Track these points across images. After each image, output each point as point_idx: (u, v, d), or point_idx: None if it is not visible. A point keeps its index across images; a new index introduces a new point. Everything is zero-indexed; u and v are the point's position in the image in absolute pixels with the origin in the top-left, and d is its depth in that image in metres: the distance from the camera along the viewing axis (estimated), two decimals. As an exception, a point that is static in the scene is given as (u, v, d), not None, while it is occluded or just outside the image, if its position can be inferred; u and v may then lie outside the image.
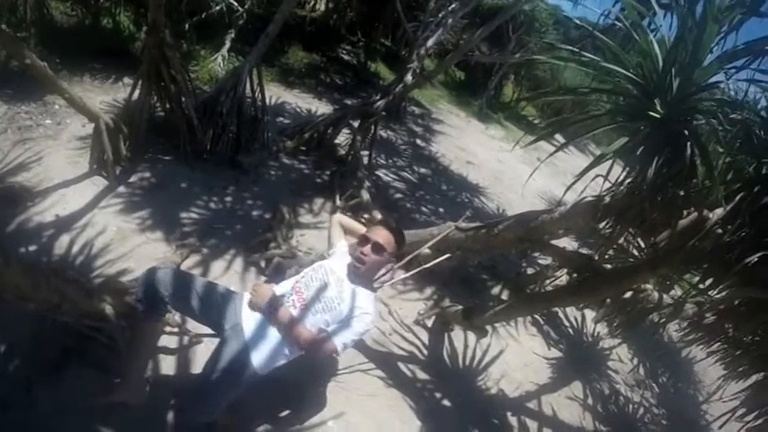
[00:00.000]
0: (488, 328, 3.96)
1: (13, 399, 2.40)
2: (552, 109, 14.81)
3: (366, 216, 5.06)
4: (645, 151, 2.37)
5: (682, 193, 2.35)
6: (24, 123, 4.63)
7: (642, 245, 3.38)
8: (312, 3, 12.04)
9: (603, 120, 2.68)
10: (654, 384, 4.93)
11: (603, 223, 2.86)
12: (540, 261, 5.81)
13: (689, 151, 2.19)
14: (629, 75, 2.47)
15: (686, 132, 2.21)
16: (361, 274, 2.58)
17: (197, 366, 2.90)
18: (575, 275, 3.78)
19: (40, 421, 2.36)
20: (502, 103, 14.31)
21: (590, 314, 5.22)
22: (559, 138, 13.21)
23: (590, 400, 4.25)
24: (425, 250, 3.73)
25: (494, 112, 12.78)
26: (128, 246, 3.63)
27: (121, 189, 4.23)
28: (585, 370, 4.54)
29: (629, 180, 2.55)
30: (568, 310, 5.23)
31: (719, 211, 2.36)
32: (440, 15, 8.50)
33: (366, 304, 2.50)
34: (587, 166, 2.51)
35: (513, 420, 3.73)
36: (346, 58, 11.47)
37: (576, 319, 5.22)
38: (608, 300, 4.10)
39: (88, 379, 2.59)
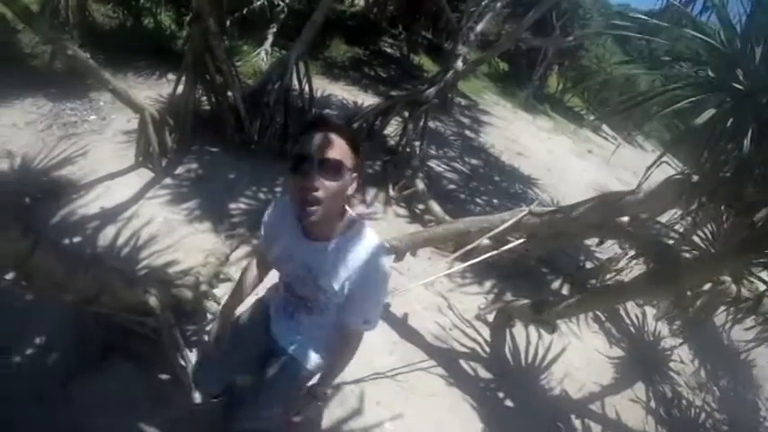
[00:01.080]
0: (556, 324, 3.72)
1: (50, 393, 2.32)
2: (598, 100, 14.45)
3: (421, 206, 4.87)
4: (734, 124, 2.17)
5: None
6: (69, 119, 4.61)
7: (731, 228, 3.13)
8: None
9: (684, 93, 2.46)
10: (715, 388, 4.64)
11: (692, 204, 2.61)
12: (598, 255, 5.61)
13: None
14: (712, 42, 2.32)
15: None
16: (322, 218, 1.49)
17: None
18: (651, 265, 3.53)
19: (77, 417, 2.28)
20: (547, 94, 13.98)
21: (651, 311, 5.03)
22: (607, 129, 13.13)
23: (653, 403, 4.00)
24: (485, 241, 3.50)
25: (540, 103, 12.53)
26: (175, 237, 3.52)
27: (168, 181, 4.15)
28: (648, 370, 4.30)
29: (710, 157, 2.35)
30: (629, 306, 5.02)
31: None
32: (482, 4, 8.29)
33: (359, 252, 1.62)
34: (673, 138, 2.27)
35: (576, 423, 3.51)
36: (389, 51, 11.36)
37: (637, 317, 4.98)
38: (687, 291, 3.84)
39: (129, 374, 2.51)
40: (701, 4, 2.65)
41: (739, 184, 2.21)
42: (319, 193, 1.41)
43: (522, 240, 3.24)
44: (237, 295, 2.02)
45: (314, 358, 1.94)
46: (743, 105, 2.16)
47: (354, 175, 1.52)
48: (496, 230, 3.20)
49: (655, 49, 2.93)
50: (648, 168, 2.58)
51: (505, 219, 3.28)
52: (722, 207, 2.61)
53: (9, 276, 2.50)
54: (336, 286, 1.63)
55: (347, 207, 1.64)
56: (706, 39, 2.34)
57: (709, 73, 2.41)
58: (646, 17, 2.86)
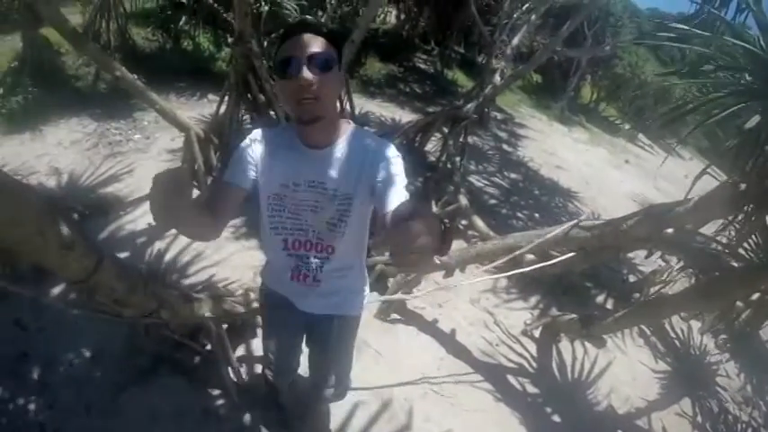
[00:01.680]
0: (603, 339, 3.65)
1: (99, 405, 2.35)
2: (633, 109, 14.23)
3: (465, 222, 4.82)
4: None
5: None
6: (114, 138, 4.75)
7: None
8: (382, 15, 12.05)
9: (726, 101, 2.43)
10: (761, 403, 4.46)
11: (741, 213, 2.58)
12: (641, 268, 5.49)
13: None
14: (751, 48, 2.27)
15: None
16: (324, 114, 1.41)
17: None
18: (699, 276, 3.51)
19: (125, 429, 2.31)
20: (581, 105, 13.84)
21: (696, 325, 4.92)
22: (643, 138, 12.91)
23: (699, 418, 3.87)
24: (529, 255, 3.43)
25: (574, 115, 12.40)
26: (222, 254, 3.55)
27: (214, 198, 4.13)
28: (694, 385, 4.17)
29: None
30: (674, 320, 4.90)
31: None
32: (514, 17, 8.27)
33: (370, 145, 1.54)
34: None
35: None
36: (423, 66, 11.41)
37: (682, 331, 4.85)
38: (737, 302, 3.72)
39: (179, 387, 2.53)
40: (735, 6, 2.58)
41: None
42: (315, 88, 1.34)
43: (571, 254, 3.15)
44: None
45: (359, 299, 1.87)
46: None
47: (341, 73, 1.46)
48: (544, 241, 3.13)
49: (689, 55, 2.88)
50: (695, 179, 2.53)
51: (554, 232, 3.22)
52: None
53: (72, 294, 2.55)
54: (358, 183, 1.51)
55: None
56: (745, 45, 2.28)
57: (750, 79, 2.37)
58: (679, 24, 2.82)
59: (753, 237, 3.45)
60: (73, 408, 2.30)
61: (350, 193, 1.52)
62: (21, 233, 1.35)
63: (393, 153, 1.51)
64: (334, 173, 1.51)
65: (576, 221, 3.20)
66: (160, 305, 2.00)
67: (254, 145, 1.55)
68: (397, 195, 1.41)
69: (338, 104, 1.38)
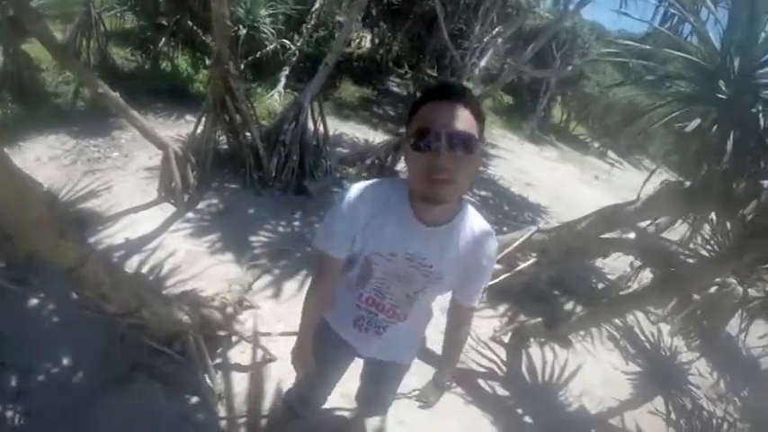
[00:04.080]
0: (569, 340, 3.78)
1: (76, 411, 2.37)
2: (602, 126, 14.61)
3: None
4: (719, 129, 2.38)
5: (763, 165, 2.33)
6: (93, 156, 4.81)
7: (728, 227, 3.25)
8: (358, 40, 12.30)
9: (672, 108, 2.68)
10: (736, 398, 4.58)
11: (687, 208, 2.80)
12: (609, 276, 5.65)
13: (762, 125, 2.22)
14: (692, 59, 2.53)
15: (756, 109, 2.27)
16: (453, 197, 1.31)
17: (270, 385, 2.85)
18: (657, 273, 3.60)
19: None
20: (552, 124, 14.17)
21: (666, 328, 5.03)
22: (613, 154, 13.26)
23: (673, 416, 3.98)
24: (496, 266, 3.59)
25: (545, 134, 12.73)
26: (198, 267, 3.63)
27: (190, 215, 4.29)
28: (666, 384, 4.27)
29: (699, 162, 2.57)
30: (644, 323, 5.04)
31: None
32: (484, 40, 8.56)
33: (483, 233, 1.48)
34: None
35: None
36: (396, 89, 11.63)
37: (652, 334, 4.98)
38: (694, 296, 3.92)
39: (156, 394, 2.56)
40: (689, 28, 2.83)
41: (728, 183, 2.34)
42: (451, 171, 1.21)
43: (533, 260, 3.33)
44: (311, 323, 1.72)
45: (413, 352, 1.91)
46: (726, 112, 2.36)
47: (481, 147, 1.30)
48: (508, 249, 3.29)
49: (649, 71, 3.14)
50: (645, 181, 2.77)
51: (516, 238, 3.39)
52: (715, 209, 2.73)
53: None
54: (455, 269, 1.47)
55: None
56: (688, 57, 2.52)
57: (694, 87, 2.60)
58: (634, 42, 3.06)
59: (706, 233, 3.67)
60: (49, 415, 2.32)
61: (442, 278, 1.49)
62: (24, 219, 1.47)
63: (493, 249, 1.50)
64: (437, 252, 1.44)
65: (536, 227, 3.38)
66: (141, 304, 2.11)
67: (360, 208, 1.44)
68: (473, 292, 1.57)
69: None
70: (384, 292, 1.58)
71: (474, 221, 1.45)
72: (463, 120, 1.22)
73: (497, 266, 3.66)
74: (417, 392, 2.12)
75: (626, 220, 3.05)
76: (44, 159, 4.54)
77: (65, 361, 2.61)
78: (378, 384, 2.04)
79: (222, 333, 2.90)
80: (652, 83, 3.04)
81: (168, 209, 4.26)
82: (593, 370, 4.10)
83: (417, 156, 1.24)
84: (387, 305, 1.62)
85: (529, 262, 3.32)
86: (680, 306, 4.40)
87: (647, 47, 2.88)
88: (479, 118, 1.27)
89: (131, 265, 3.45)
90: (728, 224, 3.28)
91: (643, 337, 4.89)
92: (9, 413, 2.31)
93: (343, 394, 2.52)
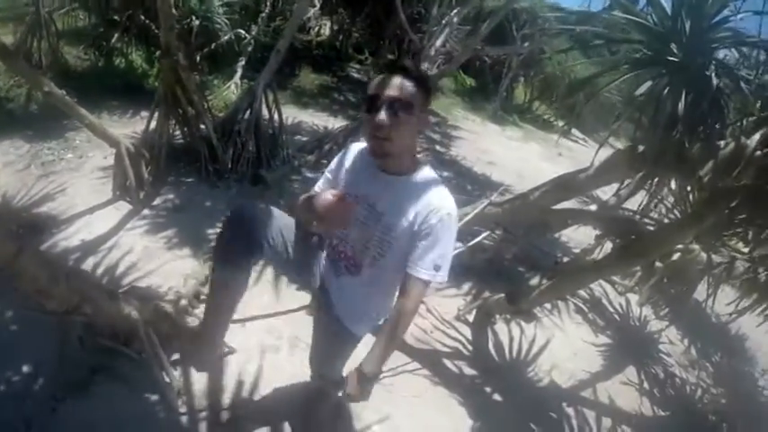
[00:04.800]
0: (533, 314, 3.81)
1: (38, 419, 2.35)
2: (565, 105, 14.73)
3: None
4: (671, 92, 2.37)
5: (717, 126, 2.33)
6: (47, 159, 4.73)
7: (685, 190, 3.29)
8: (317, 28, 12.21)
9: (623, 71, 2.66)
10: (708, 364, 4.73)
11: (642, 173, 2.80)
12: (575, 250, 5.68)
13: (714, 86, 2.22)
14: (641, 21, 2.52)
15: (708, 71, 2.26)
16: (394, 152, 1.61)
17: (229, 378, 2.85)
18: (618, 242, 3.61)
19: None
20: (515, 105, 14.26)
21: (634, 298, 5.09)
22: (577, 132, 13.39)
23: (646, 385, 4.07)
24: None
25: (508, 115, 12.77)
26: (155, 263, 3.60)
27: (146, 212, 4.25)
28: (637, 354, 4.36)
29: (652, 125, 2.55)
30: (612, 295, 5.10)
31: (757, 137, 2.30)
32: (443, 23, 8.57)
33: (436, 198, 1.63)
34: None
35: (569, 411, 3.55)
36: (356, 76, 11.57)
37: (621, 305, 5.07)
38: (656, 263, 3.88)
39: (117, 395, 2.54)
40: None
41: (682, 145, 2.36)
42: (389, 130, 1.52)
43: (487, 233, 3.34)
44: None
45: (365, 326, 1.98)
46: (678, 75, 2.35)
47: (423, 114, 1.61)
48: (462, 221, 3.26)
49: (616, 51, 3.17)
50: (598, 148, 2.77)
51: (467, 212, 3.39)
52: (671, 172, 2.75)
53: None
54: (405, 223, 1.62)
55: (416, 149, 1.74)
56: (637, 20, 2.52)
57: (645, 51, 2.59)
58: (576, 9, 3.08)
59: (665, 202, 3.73)
60: (12, 424, 2.29)
61: (393, 230, 1.66)
62: None
63: (452, 213, 1.61)
64: (389, 200, 1.66)
65: (488, 200, 3.38)
66: (83, 299, 2.10)
67: (345, 157, 1.86)
68: (428, 256, 1.60)
69: (414, 143, 1.70)
70: (346, 238, 1.80)
71: (430, 183, 1.66)
72: (402, 89, 1.53)
73: (458, 244, 3.70)
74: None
75: (581, 188, 3.04)
76: (-2, 166, 4.45)
77: (25, 368, 2.57)
78: (326, 342, 2.14)
79: (176, 327, 2.87)
80: (601, 49, 3.15)
81: (124, 207, 4.21)
82: (563, 344, 4.15)
83: (368, 118, 1.57)
84: (348, 251, 1.81)
85: (482, 235, 3.34)
86: (645, 275, 4.41)
87: (592, 10, 2.90)
88: (422, 89, 1.58)
89: (87, 266, 3.40)
90: (687, 189, 3.30)
91: (611, 309, 4.97)
92: (-30, 426, 2.29)
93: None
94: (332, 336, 2.06)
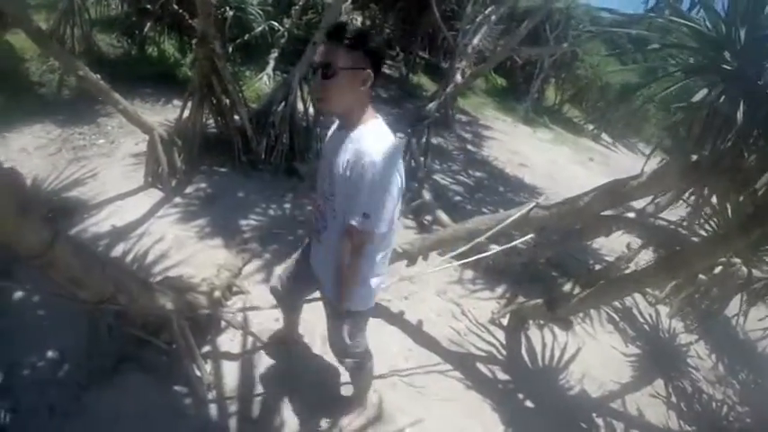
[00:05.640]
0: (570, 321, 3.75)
1: (63, 405, 2.32)
2: (596, 109, 14.53)
3: (429, 217, 4.90)
4: (727, 101, 2.28)
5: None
6: (78, 143, 4.71)
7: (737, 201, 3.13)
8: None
9: (675, 79, 2.58)
10: (734, 381, 4.59)
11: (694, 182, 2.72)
12: (606, 257, 5.62)
13: None
14: (697, 27, 2.42)
15: (763, 80, 2.20)
16: (333, 110, 1.79)
17: (261, 371, 2.80)
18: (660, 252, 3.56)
19: (89, 430, 2.27)
20: (545, 106, 14.09)
21: (664, 310, 5.02)
22: (607, 137, 13.22)
23: (673, 399, 3.97)
24: (493, 246, 3.55)
25: (539, 116, 12.62)
26: (186, 252, 3.55)
27: (178, 200, 4.20)
28: (666, 367, 4.26)
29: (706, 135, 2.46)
30: (642, 305, 5.02)
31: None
32: (476, 21, 8.46)
33: (364, 147, 1.70)
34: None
35: (599, 421, 3.46)
36: (388, 71, 11.47)
37: (651, 316, 4.97)
38: (697, 275, 3.80)
39: (144, 386, 2.50)
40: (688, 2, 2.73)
41: (737, 155, 2.26)
42: (319, 91, 1.72)
43: (530, 236, 3.22)
44: None
45: (330, 286, 2.05)
46: (733, 83, 2.26)
47: (351, 71, 1.67)
48: (505, 224, 3.17)
49: (650, 54, 3.06)
50: (650, 153, 2.74)
51: (511, 214, 3.27)
52: (724, 184, 2.59)
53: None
54: (340, 170, 1.75)
55: (365, 104, 1.79)
56: (692, 25, 2.41)
57: (698, 58, 2.52)
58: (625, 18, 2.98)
59: (708, 211, 3.60)
60: (36, 410, 2.26)
61: (334, 179, 1.80)
62: None
63: (368, 168, 1.66)
64: (336, 153, 1.79)
65: (535, 203, 3.26)
66: (117, 289, 2.01)
67: (330, 131, 2.01)
68: (357, 202, 1.71)
69: (358, 99, 1.75)
70: (318, 192, 1.99)
71: (368, 137, 1.73)
72: (324, 53, 1.68)
73: (494, 247, 3.57)
74: None
75: (630, 195, 2.92)
76: (30, 149, 4.43)
77: (50, 354, 2.54)
78: (328, 320, 2.24)
79: (209, 319, 2.82)
80: (650, 54, 2.99)
81: (155, 194, 4.17)
82: (593, 352, 4.08)
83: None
84: (320, 204, 1.97)
85: (525, 238, 3.21)
86: (682, 287, 4.32)
87: (644, 14, 2.76)
88: (346, 49, 1.66)
89: (117, 252, 3.37)
90: (731, 202, 3.19)
91: (642, 319, 4.87)
92: (-5, 410, 2.26)
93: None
94: (328, 315, 2.21)
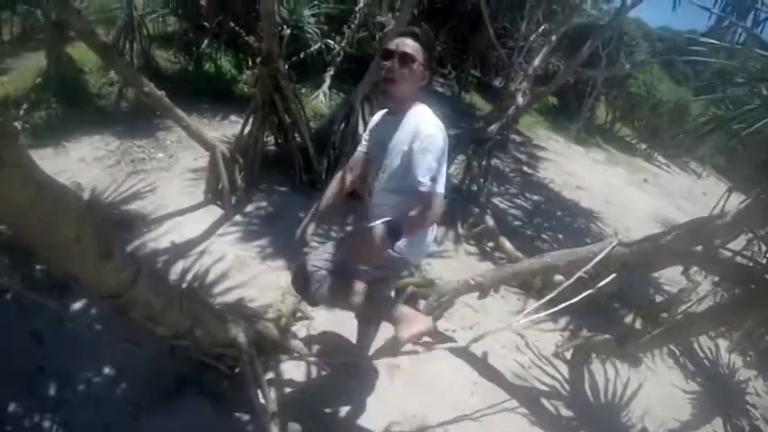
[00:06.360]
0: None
1: (119, 425, 2.26)
2: (648, 128, 14.13)
3: (491, 244, 4.77)
4: None
5: None
6: (137, 156, 4.76)
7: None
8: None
9: (752, 116, 2.57)
10: None
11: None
12: (666, 288, 5.43)
13: None
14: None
15: None
16: (397, 94, 2.08)
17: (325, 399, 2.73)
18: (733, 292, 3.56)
19: None
20: (597, 125, 13.83)
21: (723, 344, 4.89)
22: (659, 157, 12.88)
23: None
24: (558, 277, 3.55)
25: (591, 135, 12.36)
26: (247, 274, 3.49)
27: (238, 218, 4.17)
28: (724, 404, 4.12)
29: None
30: (702, 339, 4.85)
31: None
32: (531, 39, 8.29)
33: (422, 124, 2.01)
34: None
35: None
36: (440, 90, 11.43)
37: (710, 350, 4.80)
38: None
39: (204, 410, 2.43)
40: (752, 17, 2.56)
41: None
42: (395, 74, 2.01)
43: (613, 275, 3.06)
44: (325, 197, 2.49)
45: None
46: None
47: (422, 68, 2.05)
48: (590, 265, 3.04)
49: (702, 71, 2.91)
50: (728, 194, 2.78)
51: (594, 251, 3.16)
52: None
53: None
54: (400, 145, 2.05)
55: (416, 96, 2.13)
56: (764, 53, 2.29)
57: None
58: (704, 39, 2.84)
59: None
60: (90, 427, 2.21)
61: (392, 154, 2.10)
62: (58, 237, 1.27)
63: (427, 140, 1.96)
64: (393, 134, 2.10)
65: (618, 240, 3.14)
66: (194, 324, 1.91)
67: (372, 122, 2.39)
68: (423, 167, 1.94)
69: (415, 91, 2.11)
70: (372, 170, 2.27)
71: (423, 117, 2.07)
72: (410, 47, 2.00)
73: (559, 277, 3.52)
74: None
75: (715, 235, 2.87)
76: (88, 160, 4.49)
77: (107, 371, 2.49)
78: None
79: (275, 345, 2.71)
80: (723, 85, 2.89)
81: (215, 212, 4.15)
82: (654, 388, 3.95)
83: (382, 65, 2.05)
84: (373, 178, 2.26)
85: (609, 278, 3.05)
86: (757, 326, 4.19)
87: (715, 42, 2.60)
88: (426, 48, 2.05)
89: (176, 270, 3.33)
90: None
91: (702, 354, 4.72)
92: (47, 423, 2.21)
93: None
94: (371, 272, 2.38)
